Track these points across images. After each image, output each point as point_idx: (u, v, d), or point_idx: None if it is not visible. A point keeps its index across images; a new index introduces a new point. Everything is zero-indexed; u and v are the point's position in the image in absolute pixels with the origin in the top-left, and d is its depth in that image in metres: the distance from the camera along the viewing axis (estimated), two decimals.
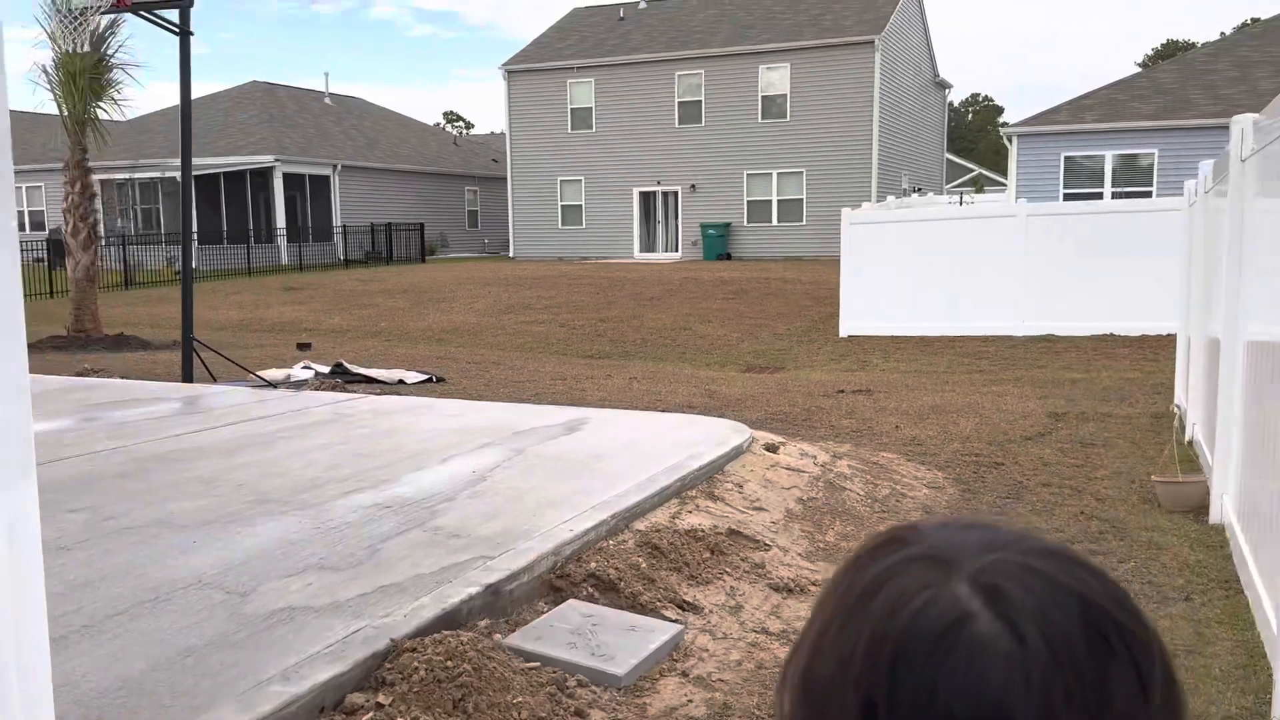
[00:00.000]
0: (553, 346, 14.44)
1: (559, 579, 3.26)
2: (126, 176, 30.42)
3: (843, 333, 14.64)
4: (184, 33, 6.92)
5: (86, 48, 6.52)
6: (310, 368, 9.50)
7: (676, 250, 32.58)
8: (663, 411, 7.70)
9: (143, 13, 6.68)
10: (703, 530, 3.88)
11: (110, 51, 12.05)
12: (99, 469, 4.35)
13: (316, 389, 7.20)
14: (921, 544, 0.51)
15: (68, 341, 12.04)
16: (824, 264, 25.86)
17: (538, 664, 2.75)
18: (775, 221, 31.03)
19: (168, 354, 11.03)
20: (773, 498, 4.54)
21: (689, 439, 5.03)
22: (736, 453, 4.90)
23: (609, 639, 2.90)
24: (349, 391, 7.06)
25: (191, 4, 6.80)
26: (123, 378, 8.35)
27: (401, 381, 9.04)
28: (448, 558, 3.16)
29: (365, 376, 9.13)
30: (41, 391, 6.67)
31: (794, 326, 16.41)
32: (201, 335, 15.29)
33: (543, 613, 3.11)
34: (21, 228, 34.90)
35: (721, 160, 31.40)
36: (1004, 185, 31.85)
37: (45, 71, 11.77)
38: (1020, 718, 0.45)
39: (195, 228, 29.24)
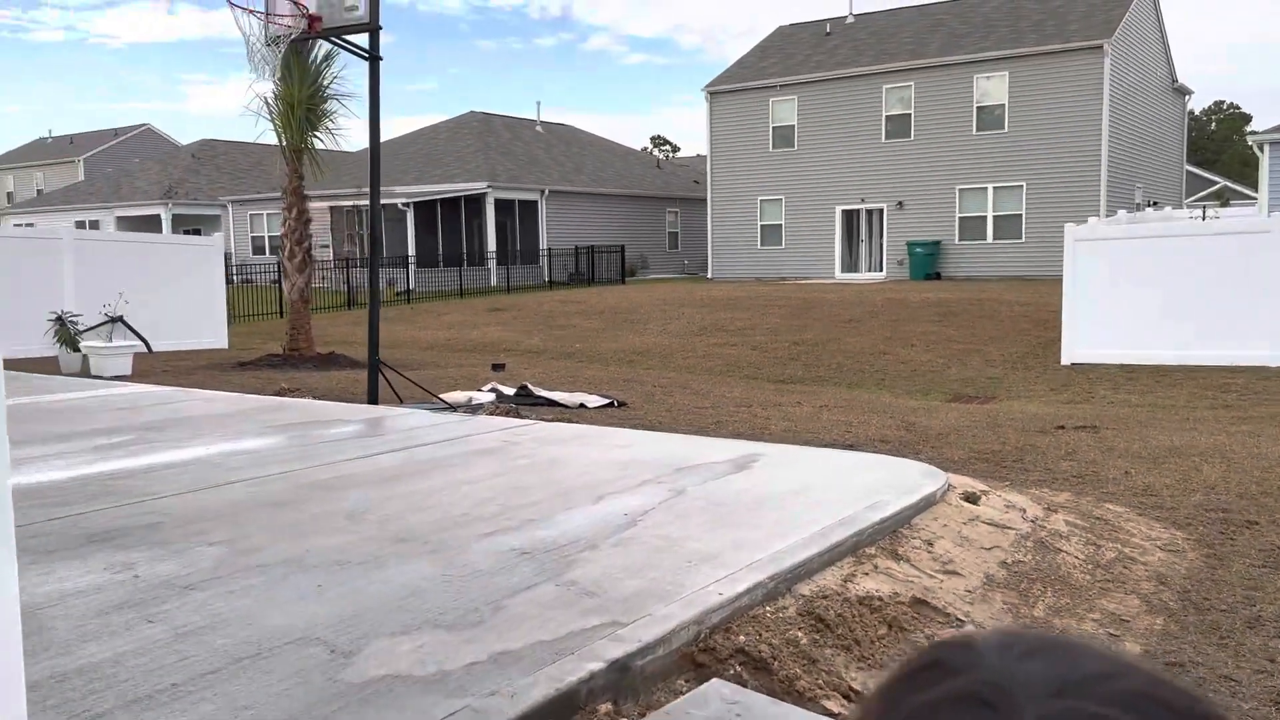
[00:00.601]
0: (743, 370, 13.98)
1: (702, 653, 2.82)
2: (352, 204, 32.44)
3: (1065, 360, 13.38)
4: (373, 58, 7.02)
5: (276, 75, 6.70)
6: (497, 390, 9.49)
7: (880, 270, 31.37)
8: (850, 446, 7.10)
9: (333, 38, 6.83)
10: (880, 598, 3.34)
11: (325, 83, 12.67)
12: (257, 496, 4.28)
13: (492, 413, 7.08)
14: (972, 674, 0.42)
15: (282, 360, 12.68)
16: (1045, 284, 24.09)
17: None
18: (990, 239, 29.32)
19: (363, 374, 11.37)
20: (969, 560, 3.91)
21: (871, 484, 4.46)
22: (927, 503, 4.30)
23: None
24: (523, 417, 6.90)
25: (380, 29, 6.89)
26: (317, 397, 8.59)
27: (583, 405, 8.85)
28: (576, 620, 2.79)
29: (548, 399, 9.01)
30: (236, 412, 6.88)
31: (1009, 352, 15.21)
32: (409, 355, 15.87)
33: (680, 693, 2.68)
34: (260, 251, 37.98)
35: (931, 175, 30.01)
36: (1252, 199, 28.70)
37: (266, 103, 12.49)
38: None
39: (413, 251, 30.81)
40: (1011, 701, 0.40)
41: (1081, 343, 12.88)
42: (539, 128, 40.16)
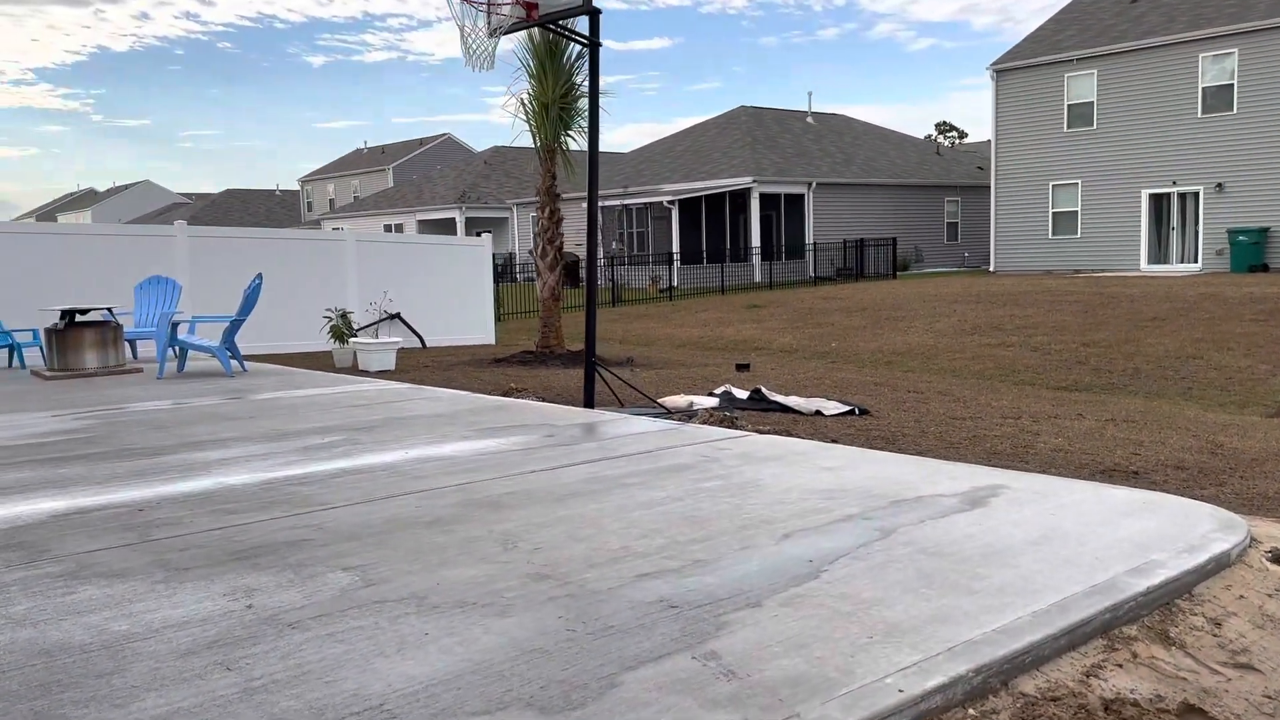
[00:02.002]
0: (1017, 375, 12.57)
1: None
2: (619, 203, 33.07)
3: None
4: (593, 44, 6.70)
5: (491, 67, 6.54)
6: (730, 393, 8.96)
7: (1194, 261, 27.88)
8: (1135, 474, 5.94)
9: (550, 25, 6.57)
10: (1135, 703, 2.47)
11: (578, 81, 12.66)
12: (420, 511, 4.00)
13: (705, 421, 6.55)
14: None
15: (533, 357, 12.84)
16: None
17: None
18: None
19: (611, 371, 11.21)
20: (1274, 649, 2.90)
21: (1141, 535, 3.49)
22: (1218, 565, 3.29)
23: None
24: (738, 427, 6.31)
25: (599, 12, 6.54)
26: (542, 398, 8.44)
27: (819, 413, 8.12)
28: (701, 716, 2.19)
29: (782, 405, 8.36)
30: (452, 412, 6.80)
31: None
32: (660, 352, 15.70)
33: None
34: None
35: (1258, 153, 26.25)
36: None
37: (522, 104, 12.67)
38: None
39: (677, 248, 30.95)
40: None
41: None
42: (809, 119, 39.18)
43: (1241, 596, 3.16)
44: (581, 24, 7.99)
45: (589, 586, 3.05)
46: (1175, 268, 27.76)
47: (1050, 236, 30.30)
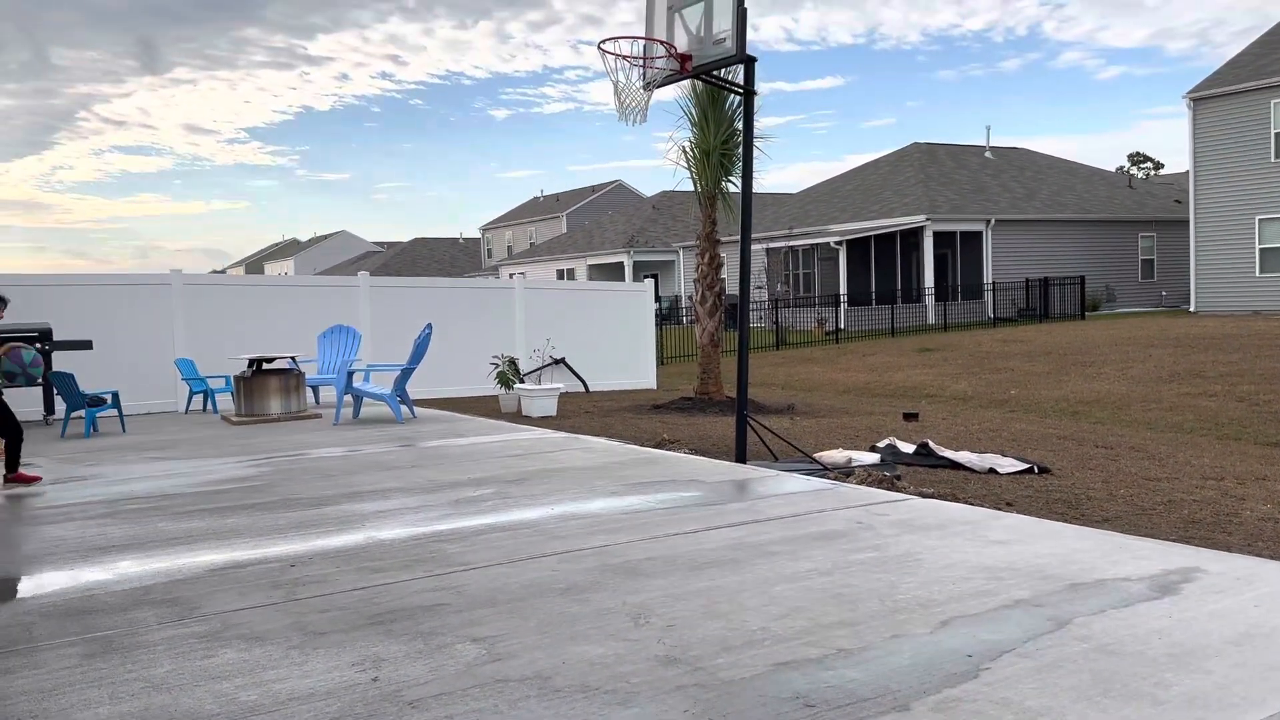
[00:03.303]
0: (1222, 428, 11.49)
1: None
2: (785, 244, 32.73)
3: None
4: (747, 92, 6.57)
5: (644, 120, 6.50)
6: (894, 446, 8.54)
7: None
8: None
9: (704, 76, 6.48)
10: None
11: (739, 128, 12.58)
12: (557, 576, 3.91)
13: (863, 481, 6.21)
14: None
15: (691, 404, 12.72)
16: None
17: None
18: None
19: (769, 420, 10.95)
20: None
21: None
22: None
23: None
24: (896, 489, 5.95)
25: (753, 60, 6.42)
26: (694, 449, 8.28)
27: (993, 470, 7.61)
28: None
29: (951, 461, 7.89)
30: (603, 465, 6.74)
31: None
32: (822, 399, 15.28)
33: None
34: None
35: None
36: None
37: (684, 151, 12.70)
38: None
39: (845, 289, 30.31)
40: None
41: None
42: (987, 154, 37.76)
43: None
44: (743, 73, 7.91)
45: (720, 675, 2.86)
46: None
47: (1258, 274, 27.87)
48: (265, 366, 10.48)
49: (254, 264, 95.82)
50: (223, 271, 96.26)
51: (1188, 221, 29.98)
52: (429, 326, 10.54)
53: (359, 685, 2.85)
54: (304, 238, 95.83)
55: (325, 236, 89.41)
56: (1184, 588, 3.56)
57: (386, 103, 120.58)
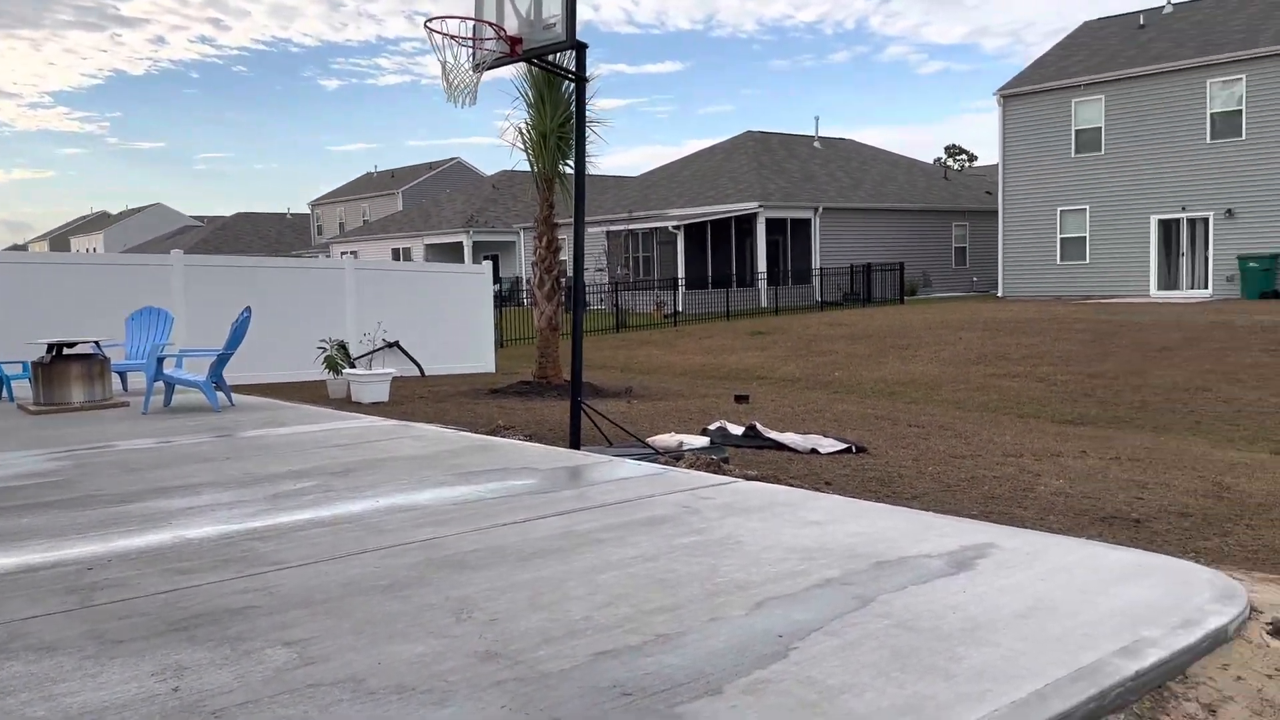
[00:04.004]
0: (1022, 407, 12.35)
1: None
2: (624, 228, 33.00)
3: None
4: (579, 79, 6.57)
5: (473, 102, 6.41)
6: (724, 429, 8.78)
7: (1205, 288, 27.61)
8: (1137, 521, 5.74)
9: (535, 60, 6.44)
10: None
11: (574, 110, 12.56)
12: (378, 573, 3.83)
13: (692, 465, 6.36)
14: None
15: (529, 387, 12.68)
16: None
17: None
18: None
19: (606, 404, 11.05)
20: None
21: (1133, 606, 3.29)
22: (1213, 641, 3.08)
23: None
24: (724, 472, 6.12)
25: (584, 47, 6.41)
26: (529, 435, 8.27)
27: (815, 451, 7.93)
28: None
29: (777, 443, 8.17)
30: (434, 454, 6.63)
31: None
32: (660, 381, 15.52)
33: None
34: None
35: (1268, 179, 26.04)
36: None
37: (520, 133, 12.58)
38: None
39: (683, 273, 30.82)
40: None
41: None
42: (816, 144, 39.13)
43: (1239, 678, 2.96)
44: (574, 59, 7.87)
45: (541, 667, 2.87)
46: (1185, 294, 27.49)
47: (1059, 262, 30.08)
48: (66, 351, 9.77)
49: (59, 238, 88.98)
50: (24, 247, 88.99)
51: (997, 212, 32.00)
52: (247, 310, 10.08)
53: (158, 696, 2.71)
54: (115, 210, 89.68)
55: (139, 209, 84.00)
56: (979, 563, 3.81)
57: (207, 69, 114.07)
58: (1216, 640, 3.10)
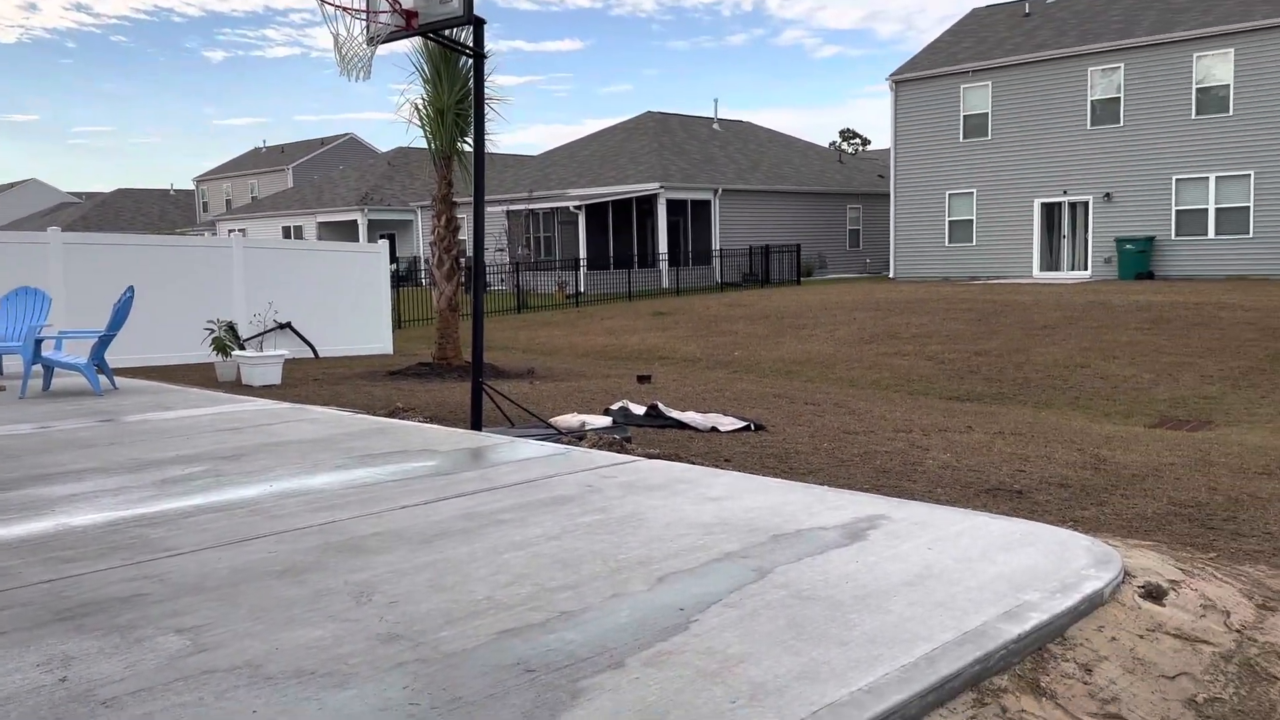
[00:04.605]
0: (912, 385, 12.74)
1: None
2: (525, 207, 32.74)
3: None
4: (477, 55, 6.49)
5: (367, 76, 6.27)
6: (626, 409, 8.83)
7: (1085, 269, 28.87)
8: (1019, 493, 6.00)
9: (431, 34, 6.34)
10: None
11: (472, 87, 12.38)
12: (273, 558, 3.74)
13: (595, 444, 6.40)
14: None
15: (429, 369, 12.51)
16: (1276, 285, 21.35)
17: None
18: (1212, 234, 26.44)
19: (508, 385, 10.98)
20: (1143, 696, 2.87)
21: (1016, 573, 3.45)
22: (1091, 604, 3.26)
23: None
24: (626, 451, 6.17)
25: (482, 22, 6.34)
26: (430, 417, 8.18)
27: (715, 429, 8.04)
28: None
29: (678, 422, 8.26)
30: (330, 437, 6.50)
31: (1229, 367, 13.30)
32: (562, 362, 15.49)
33: None
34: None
35: (1143, 164, 27.30)
36: None
37: (417, 109, 12.34)
38: None
39: (584, 254, 30.77)
40: None
41: None
42: (715, 125, 39.45)
43: (1113, 639, 3.14)
44: (473, 35, 7.74)
45: (443, 648, 2.86)
46: (1066, 275, 28.72)
47: (947, 244, 31.06)
48: None
49: None
50: None
51: (889, 195, 32.82)
52: (130, 290, 9.67)
53: (45, 687, 2.61)
54: None
55: (11, 185, 79.48)
56: (870, 534, 3.94)
57: (83, 38, 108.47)
58: (1093, 603, 3.28)
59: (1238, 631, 3.37)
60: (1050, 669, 2.91)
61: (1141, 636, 3.18)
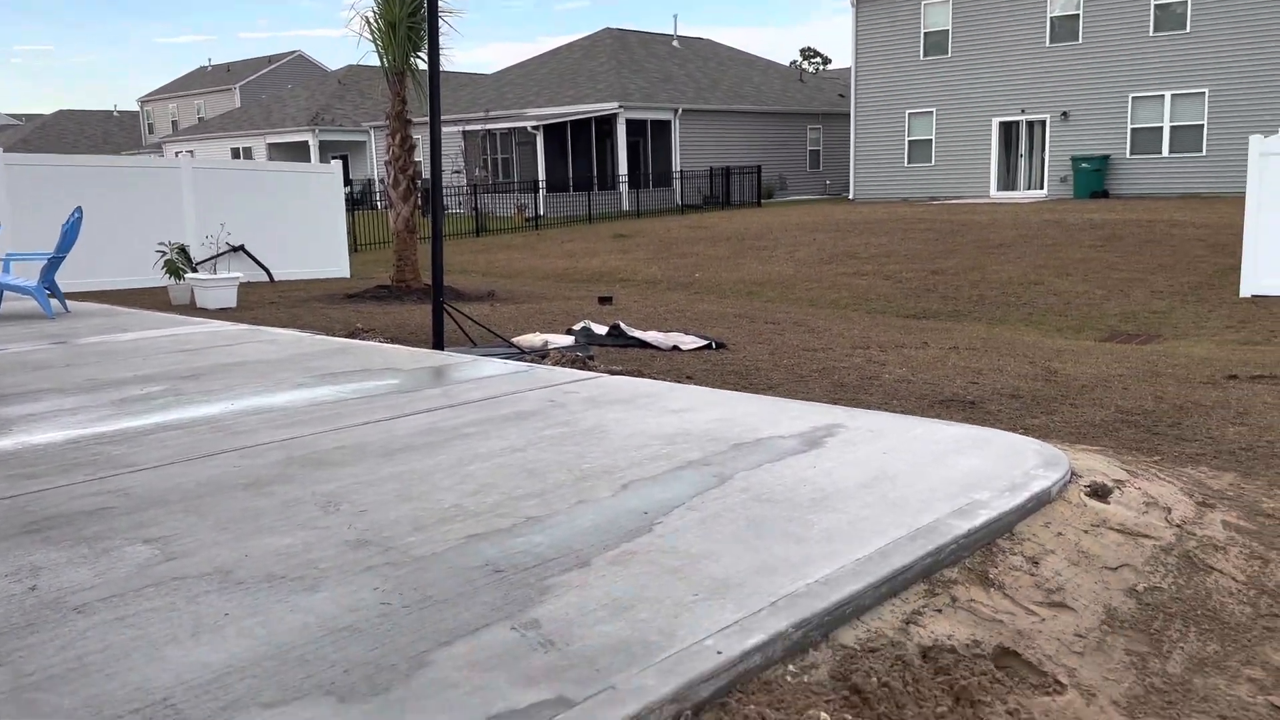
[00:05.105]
0: (870, 303, 12.88)
1: None
2: (482, 127, 32.14)
3: (1244, 292, 11.76)
4: None
5: None
6: (589, 328, 8.85)
7: (1041, 188, 29.05)
8: (972, 404, 6.14)
9: None
10: (952, 649, 2.51)
11: None
12: (238, 472, 3.76)
13: (558, 362, 6.43)
14: None
15: (388, 292, 12.41)
16: (1227, 203, 21.64)
17: None
18: (1166, 152, 26.64)
19: (469, 307, 10.93)
20: (1087, 586, 3.01)
21: (967, 474, 3.57)
22: (1038, 502, 3.39)
23: None
24: (589, 368, 6.22)
25: None
26: (390, 338, 8.15)
27: (676, 348, 8.11)
28: (512, 692, 2.10)
29: (640, 341, 8.31)
30: (290, 357, 6.47)
31: (1179, 282, 13.56)
32: (522, 285, 15.42)
33: None
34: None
35: (1100, 82, 27.32)
36: None
37: (368, 22, 12.01)
38: None
39: (543, 175, 30.38)
40: None
41: (1265, 271, 11.22)
42: (675, 43, 38.78)
43: (1060, 534, 3.27)
44: None
45: (412, 552, 2.91)
46: (1023, 194, 28.92)
47: (906, 164, 31.07)
48: None
49: None
50: None
51: (849, 115, 32.63)
52: (78, 211, 9.44)
53: (15, 596, 2.63)
54: None
55: None
56: (828, 441, 4.04)
57: None
58: (1041, 501, 3.41)
59: (1178, 527, 3.52)
60: (999, 562, 3.03)
61: (1086, 531, 3.32)
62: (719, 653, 2.27)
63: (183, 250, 11.99)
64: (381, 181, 33.31)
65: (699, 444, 4.03)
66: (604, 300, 12.32)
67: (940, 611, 2.70)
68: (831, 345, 8.86)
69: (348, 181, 28.05)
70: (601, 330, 8.74)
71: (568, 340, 8.01)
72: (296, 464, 3.86)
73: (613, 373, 6.05)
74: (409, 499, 3.41)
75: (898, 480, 3.51)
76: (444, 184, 28.75)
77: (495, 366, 5.96)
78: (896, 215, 22.95)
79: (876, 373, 7.38)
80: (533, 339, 7.79)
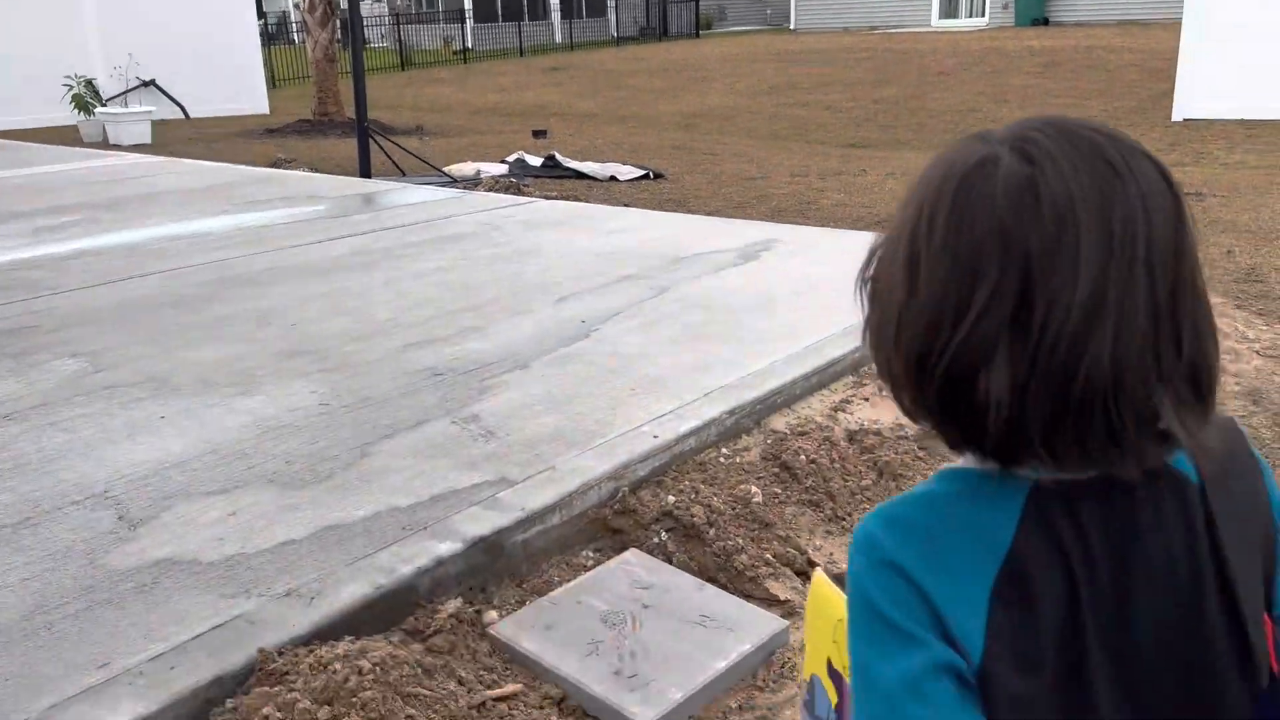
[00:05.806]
0: (810, 133, 12.74)
1: (619, 515, 2.17)
2: None
3: (1177, 115, 11.84)
4: None
5: None
6: (523, 159, 8.66)
7: (983, 15, 28.53)
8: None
9: None
10: (876, 431, 2.62)
11: None
12: (165, 292, 3.68)
13: (491, 189, 6.31)
14: (982, 130, 0.61)
15: (310, 126, 11.95)
16: (1165, 28, 21.52)
17: (519, 689, 1.72)
18: None
19: (398, 141, 10.59)
20: None
21: None
22: None
23: (656, 640, 1.81)
24: (523, 194, 6.12)
25: None
26: (312, 169, 7.90)
27: (613, 178, 7.99)
28: (456, 475, 2.15)
29: (576, 171, 8.17)
30: (210, 186, 6.26)
31: (1113, 107, 13.59)
32: (453, 120, 14.93)
33: (586, 567, 2.07)
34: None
35: None
36: None
37: None
38: (1029, 224, 0.55)
39: (470, 4, 28.95)
40: (1000, 133, 0.60)
41: (1198, 94, 11.28)
42: None
43: None
44: None
45: (348, 361, 2.91)
46: (964, 23, 28.41)
47: None
48: None
49: None
50: None
51: None
52: None
53: None
54: None
55: None
56: (763, 255, 4.07)
57: None
58: None
59: None
60: None
61: None
62: (655, 437, 2.34)
63: (90, 84, 11.34)
64: (297, 7, 31.54)
65: (637, 260, 4.03)
66: (538, 134, 12.01)
67: (868, 400, 2.80)
68: (770, 174, 8.80)
69: (260, 14, 26.49)
70: (536, 161, 8.56)
71: (502, 169, 7.84)
72: (225, 284, 3.79)
73: (549, 199, 5.97)
74: (343, 313, 3.38)
75: (831, 285, 3.56)
76: (363, 14, 27.34)
77: (427, 193, 5.83)
78: (838, 45, 22.47)
79: (814, 199, 7.38)
80: (465, 168, 7.61)
